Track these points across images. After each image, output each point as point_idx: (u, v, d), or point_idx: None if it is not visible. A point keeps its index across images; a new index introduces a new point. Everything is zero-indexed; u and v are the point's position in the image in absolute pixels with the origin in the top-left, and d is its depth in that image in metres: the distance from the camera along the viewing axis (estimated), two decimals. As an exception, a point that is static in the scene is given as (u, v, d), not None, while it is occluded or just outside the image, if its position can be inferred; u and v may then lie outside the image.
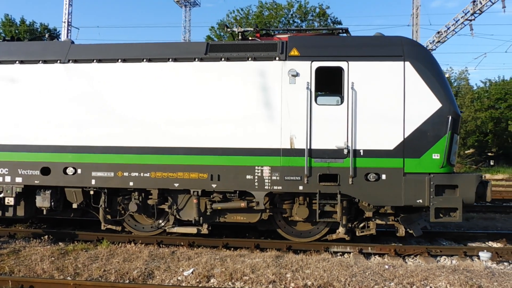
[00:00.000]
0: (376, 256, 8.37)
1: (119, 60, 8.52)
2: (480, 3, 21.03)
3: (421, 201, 7.81)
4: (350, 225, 8.49)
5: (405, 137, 7.86)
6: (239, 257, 7.43)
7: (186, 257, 7.41)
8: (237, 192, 8.24)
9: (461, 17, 22.97)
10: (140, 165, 8.31)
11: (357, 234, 8.50)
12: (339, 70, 8.10)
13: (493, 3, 20.49)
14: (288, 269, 6.68)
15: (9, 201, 8.64)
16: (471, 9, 21.88)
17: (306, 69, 8.09)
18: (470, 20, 22.26)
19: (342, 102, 8.05)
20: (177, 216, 8.64)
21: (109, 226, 8.97)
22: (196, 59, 8.33)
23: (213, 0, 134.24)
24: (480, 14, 21.74)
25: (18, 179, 8.59)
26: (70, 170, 8.47)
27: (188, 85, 8.30)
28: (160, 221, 8.93)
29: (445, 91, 7.95)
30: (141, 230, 9.09)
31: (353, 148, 7.90)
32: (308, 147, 7.96)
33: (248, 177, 8.07)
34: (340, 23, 31.89)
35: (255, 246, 8.52)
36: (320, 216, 8.11)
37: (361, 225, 8.48)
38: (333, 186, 7.96)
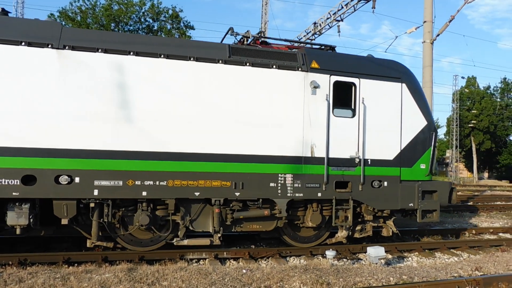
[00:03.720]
0: (232, 260, 8.35)
1: (131, 53, 7.45)
2: (320, 25, 23.36)
3: (412, 204, 9.03)
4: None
5: (402, 149, 9.01)
6: (85, 273, 6.51)
7: (16, 279, 6.09)
8: (260, 200, 8.14)
9: (304, 36, 25.14)
10: (155, 173, 7.46)
11: (357, 236, 9.24)
12: (352, 85, 8.76)
13: (330, 27, 23.01)
14: (143, 282, 6.11)
15: None
16: (312, 30, 24.17)
17: (326, 82, 8.50)
18: (312, 40, 24.52)
19: (354, 115, 8.74)
20: (191, 227, 8.04)
21: (99, 243, 7.70)
22: (220, 61, 7.90)
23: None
24: (319, 35, 24.16)
25: None
26: (64, 179, 7.05)
27: (210, 86, 7.81)
28: (167, 234, 8.13)
29: (428, 111, 9.37)
30: (139, 245, 8.09)
31: (363, 157, 8.64)
32: (327, 156, 8.33)
33: (272, 184, 8.09)
34: (192, 27, 32.03)
35: (102, 259, 7.66)
36: (329, 221, 8.75)
37: (358, 227, 9.22)
38: (346, 192, 8.60)
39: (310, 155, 8.34)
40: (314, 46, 9.85)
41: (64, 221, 7.30)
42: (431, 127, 9.35)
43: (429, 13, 16.71)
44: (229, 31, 9.36)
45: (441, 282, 6.32)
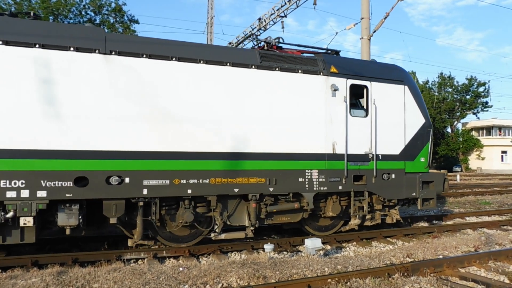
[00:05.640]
0: (171, 259, 8.26)
1: (173, 59, 7.85)
2: (265, 21, 23.49)
3: (414, 194, 10.15)
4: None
5: (405, 144, 10.06)
6: (10, 279, 6.14)
7: None
8: (291, 194, 8.81)
9: (249, 31, 25.17)
10: (199, 171, 7.94)
11: (368, 224, 10.14)
12: (365, 88, 9.65)
13: (274, 23, 23.30)
14: (72, 286, 5.86)
15: (27, 221, 6.88)
16: (257, 25, 24.25)
17: (343, 85, 9.33)
18: (257, 35, 24.56)
19: (367, 115, 9.65)
20: (228, 222, 8.58)
21: (141, 242, 8.06)
22: (253, 66, 8.46)
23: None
24: (264, 30, 24.33)
25: (41, 193, 6.91)
26: (114, 180, 7.36)
27: (244, 90, 8.36)
28: (206, 230, 8.66)
29: (425, 109, 10.44)
30: (178, 241, 8.56)
31: (375, 153, 9.57)
32: (346, 152, 9.14)
33: (300, 179, 8.82)
34: (137, 22, 31.23)
35: (32, 263, 7.37)
36: (346, 211, 9.71)
37: (369, 216, 10.06)
38: (362, 185, 9.50)
39: (332, 152, 9.13)
40: (319, 51, 10.40)
41: (113, 221, 7.54)
42: (428, 124, 10.46)
43: (366, 9, 17.29)
44: (251, 36, 10.25)
45: (372, 270, 6.56)
